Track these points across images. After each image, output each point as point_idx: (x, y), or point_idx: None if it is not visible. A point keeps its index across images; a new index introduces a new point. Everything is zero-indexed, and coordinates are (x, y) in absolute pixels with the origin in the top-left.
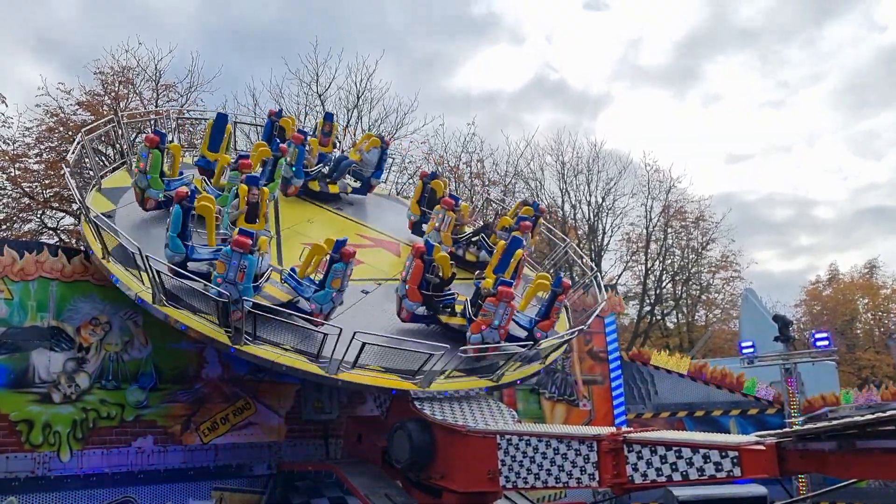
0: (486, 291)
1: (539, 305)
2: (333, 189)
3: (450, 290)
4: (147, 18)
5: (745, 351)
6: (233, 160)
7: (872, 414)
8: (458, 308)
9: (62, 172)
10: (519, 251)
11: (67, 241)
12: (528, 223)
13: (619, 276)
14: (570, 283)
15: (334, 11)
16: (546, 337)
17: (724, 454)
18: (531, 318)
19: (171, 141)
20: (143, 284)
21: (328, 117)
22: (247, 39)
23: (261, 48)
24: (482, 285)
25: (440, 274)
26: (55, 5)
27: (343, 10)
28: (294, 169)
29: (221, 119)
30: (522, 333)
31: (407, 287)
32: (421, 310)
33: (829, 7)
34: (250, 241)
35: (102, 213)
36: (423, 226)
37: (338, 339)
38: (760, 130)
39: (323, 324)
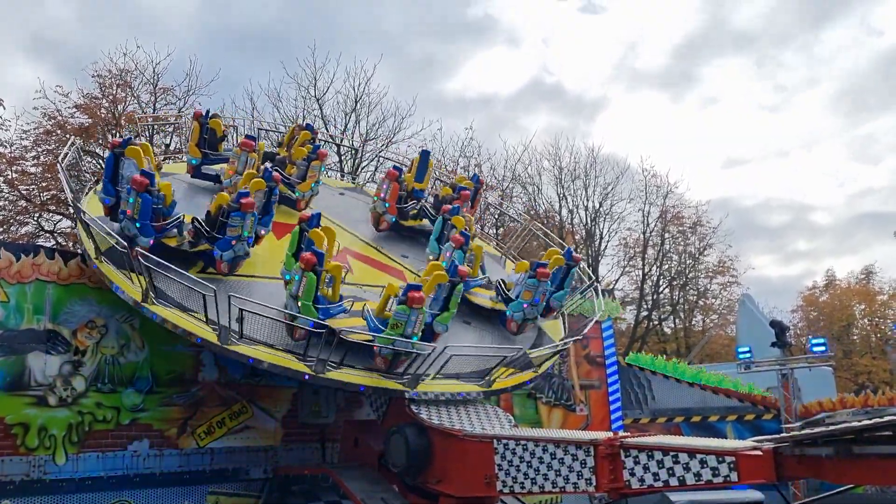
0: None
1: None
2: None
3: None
4: (145, 20)
5: (741, 356)
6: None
7: (869, 419)
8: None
9: (59, 177)
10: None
11: (64, 243)
12: (308, 148)
13: (617, 280)
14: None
15: (331, 14)
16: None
17: (720, 459)
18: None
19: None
20: (134, 284)
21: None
22: (245, 42)
23: (259, 50)
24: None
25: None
26: (51, 6)
27: (340, 13)
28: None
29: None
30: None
31: (387, 205)
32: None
33: (826, 11)
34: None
35: (101, 217)
36: (204, 168)
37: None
38: (758, 134)
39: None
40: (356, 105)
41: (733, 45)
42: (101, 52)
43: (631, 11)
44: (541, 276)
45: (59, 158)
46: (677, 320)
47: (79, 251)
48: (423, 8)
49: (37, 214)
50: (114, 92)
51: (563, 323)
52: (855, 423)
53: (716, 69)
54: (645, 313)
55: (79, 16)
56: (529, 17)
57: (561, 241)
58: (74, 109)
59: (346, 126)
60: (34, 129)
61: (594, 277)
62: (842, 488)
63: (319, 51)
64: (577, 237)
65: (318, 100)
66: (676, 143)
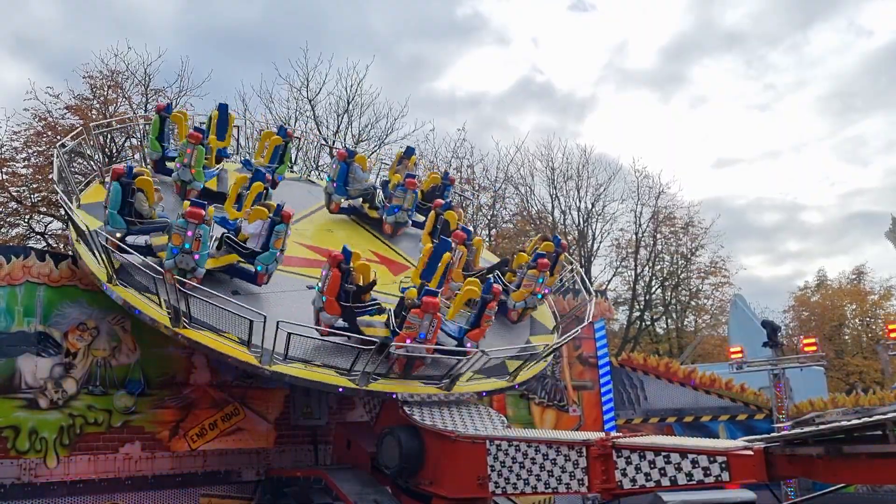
0: (410, 302)
1: (469, 313)
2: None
3: (373, 298)
4: (128, 20)
5: (733, 356)
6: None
7: (859, 419)
8: (382, 318)
9: (50, 176)
10: (447, 254)
11: (55, 245)
12: (545, 261)
13: (609, 281)
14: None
15: (318, 14)
16: (476, 346)
17: (712, 459)
18: (460, 327)
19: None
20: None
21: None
22: (231, 42)
23: (245, 51)
24: (406, 295)
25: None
26: (34, 5)
27: (327, 13)
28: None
29: (223, 109)
30: (452, 343)
31: (325, 299)
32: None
33: (815, 11)
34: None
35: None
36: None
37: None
38: (748, 134)
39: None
40: (349, 106)
41: (722, 44)
42: (89, 52)
43: (620, 9)
44: (542, 266)
45: (53, 173)
46: (669, 321)
47: (69, 253)
48: (412, 7)
49: (27, 216)
50: (105, 93)
51: (551, 309)
52: (844, 423)
53: (705, 69)
54: (637, 314)
55: (61, 15)
56: (518, 15)
57: (573, 261)
58: (65, 111)
59: (338, 127)
60: (25, 130)
61: (594, 297)
62: (833, 487)
63: (308, 51)
64: (569, 238)
65: (310, 101)
66: (667, 142)
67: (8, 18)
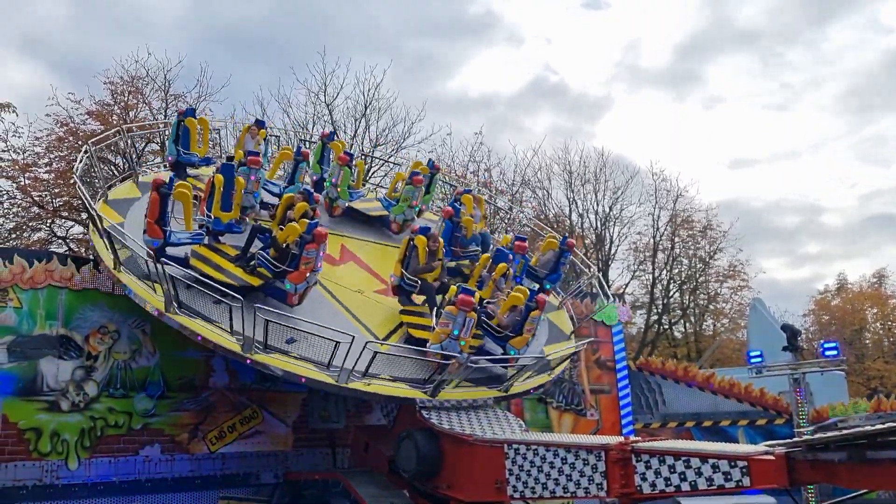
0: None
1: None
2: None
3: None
4: (131, 19)
5: (753, 360)
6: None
7: (883, 424)
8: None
9: (72, 181)
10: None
11: (77, 250)
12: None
13: (627, 285)
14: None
15: (319, 15)
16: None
17: (733, 464)
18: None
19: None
20: (156, 294)
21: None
22: (231, 42)
23: (246, 51)
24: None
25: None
26: (41, 4)
27: (328, 13)
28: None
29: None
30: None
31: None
32: None
33: (832, 8)
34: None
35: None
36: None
37: (349, 349)
38: (764, 134)
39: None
40: (366, 110)
41: (737, 42)
42: (92, 50)
43: (634, 6)
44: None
45: (75, 168)
46: (688, 324)
47: (91, 257)
48: (422, 6)
49: (49, 221)
50: (126, 99)
51: (571, 317)
52: (868, 428)
53: (720, 67)
54: (655, 318)
55: (65, 13)
56: (532, 13)
57: (589, 263)
58: (86, 116)
59: (356, 132)
60: (46, 135)
61: (593, 269)
62: (853, 493)
63: (316, 51)
64: (587, 241)
65: (328, 105)
66: (682, 143)
67: (10, 18)
